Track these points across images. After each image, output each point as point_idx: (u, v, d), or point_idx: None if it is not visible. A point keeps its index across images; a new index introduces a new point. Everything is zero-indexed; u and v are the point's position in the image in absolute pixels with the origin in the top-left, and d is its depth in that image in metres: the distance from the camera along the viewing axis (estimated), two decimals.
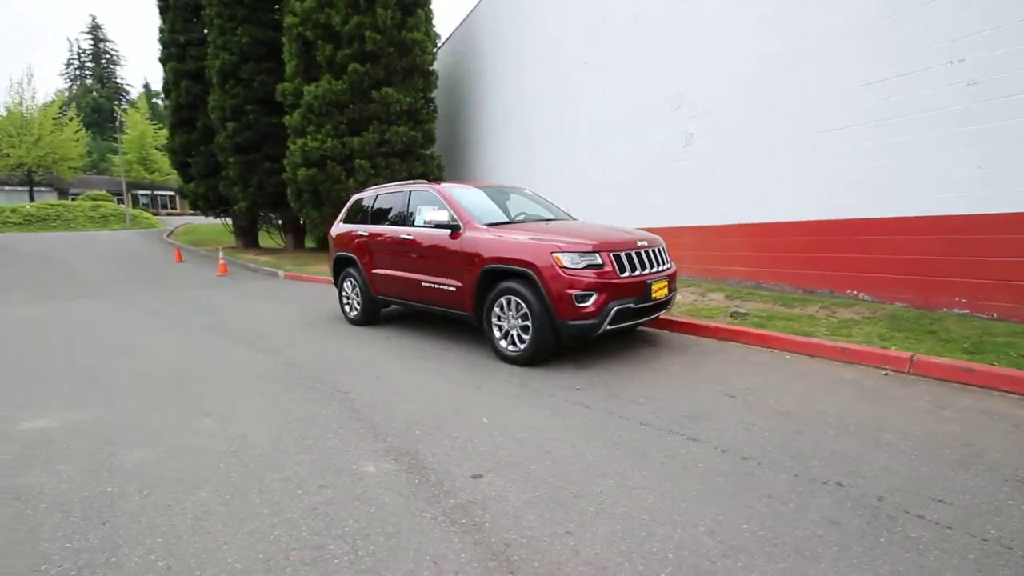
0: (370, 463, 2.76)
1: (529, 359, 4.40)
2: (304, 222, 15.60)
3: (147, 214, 35.27)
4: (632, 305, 4.32)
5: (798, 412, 3.30)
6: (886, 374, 3.98)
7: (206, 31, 16.22)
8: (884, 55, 5.47)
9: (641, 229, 5.31)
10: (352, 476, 2.62)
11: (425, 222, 5.14)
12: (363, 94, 12.04)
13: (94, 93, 63.50)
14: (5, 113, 34.28)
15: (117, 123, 38.51)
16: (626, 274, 4.32)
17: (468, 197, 5.41)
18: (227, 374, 4.50)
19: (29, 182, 36.52)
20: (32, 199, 35.30)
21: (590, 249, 4.24)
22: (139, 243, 21.08)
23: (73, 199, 36.21)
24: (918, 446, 2.80)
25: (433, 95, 13.36)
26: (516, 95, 11.82)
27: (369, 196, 6.49)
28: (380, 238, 5.95)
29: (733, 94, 7.06)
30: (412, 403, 3.66)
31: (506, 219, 5.33)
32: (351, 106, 12.08)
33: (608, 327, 4.24)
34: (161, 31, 17.10)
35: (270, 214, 16.96)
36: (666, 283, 4.68)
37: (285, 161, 13.01)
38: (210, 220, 22.37)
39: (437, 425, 3.24)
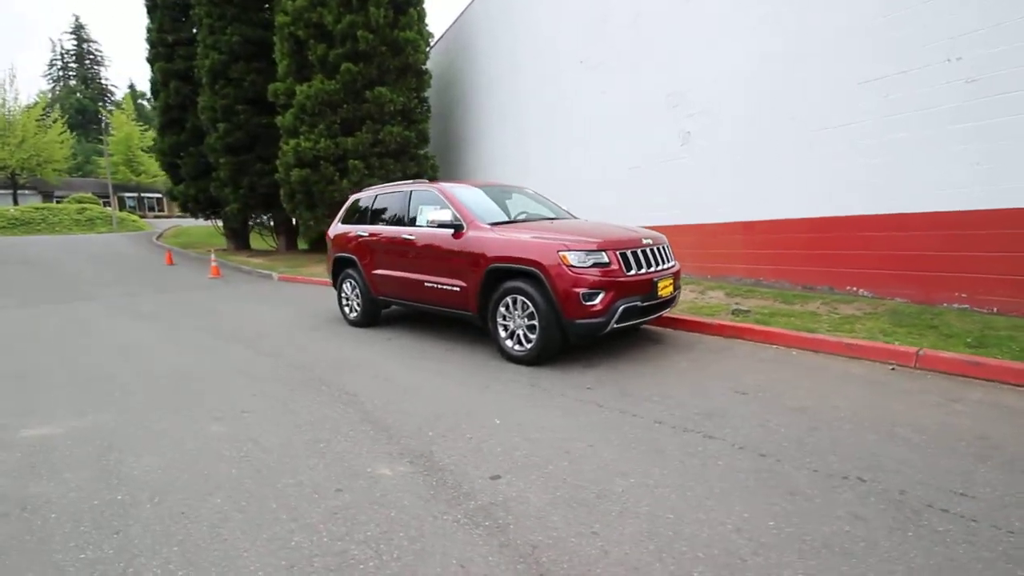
0: (385, 466, 2.71)
1: (536, 359, 4.37)
2: (297, 223, 15.48)
3: (134, 217, 34.79)
4: (639, 303, 4.30)
5: (811, 408, 3.30)
6: (893, 369, 4.00)
7: (195, 30, 16.04)
8: (884, 54, 5.50)
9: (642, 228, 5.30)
10: (368, 479, 2.57)
11: (428, 222, 5.09)
12: (356, 94, 11.96)
13: (78, 94, 62.59)
14: None
15: (103, 124, 37.95)
16: (632, 272, 4.31)
17: (470, 196, 5.37)
18: (230, 377, 4.42)
19: (13, 185, 35.89)
20: (16, 202, 34.69)
21: (596, 247, 4.22)
22: (128, 246, 20.78)
23: (58, 202, 35.63)
24: (933, 440, 2.81)
25: (426, 94, 13.30)
26: (510, 94, 11.79)
27: (368, 196, 6.43)
28: (380, 238, 5.89)
29: (734, 93, 7.07)
30: (422, 404, 3.62)
31: (508, 218, 5.30)
32: (344, 106, 11.99)
33: (615, 325, 4.22)
34: (149, 31, 16.86)
35: (262, 215, 16.79)
36: (671, 281, 4.67)
37: (277, 162, 12.89)
38: (199, 222, 22.11)
39: (449, 426, 3.21)
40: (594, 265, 4.16)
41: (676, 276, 4.81)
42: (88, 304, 8.87)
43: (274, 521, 2.23)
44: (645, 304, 4.36)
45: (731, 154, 7.20)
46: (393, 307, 6.22)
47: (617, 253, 4.27)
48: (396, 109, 12.27)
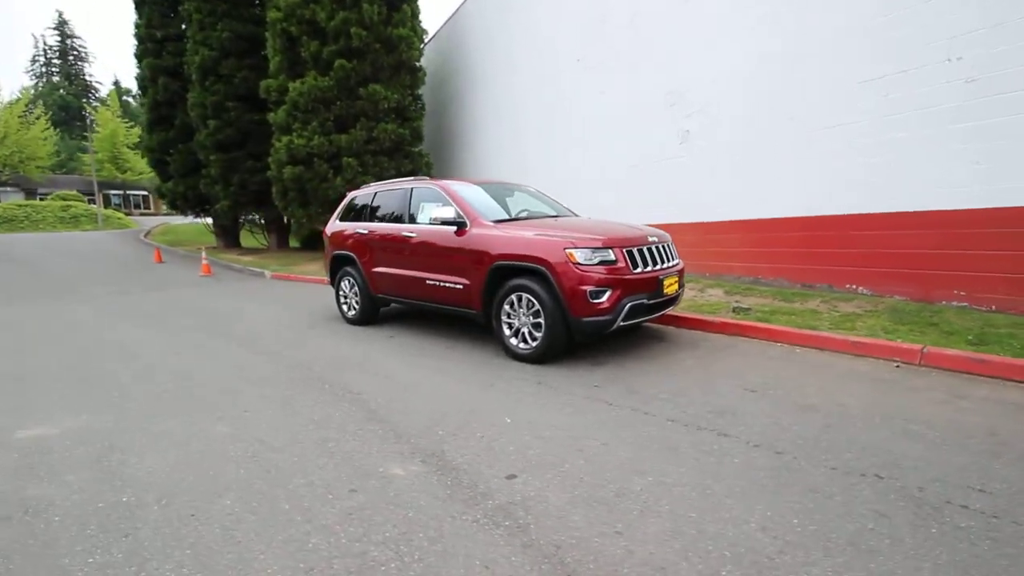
0: (397, 465, 2.66)
1: (541, 357, 4.34)
2: (288, 221, 15.31)
3: (120, 214, 34.28)
4: (645, 301, 4.29)
5: (821, 405, 3.30)
6: (898, 366, 4.02)
7: (184, 26, 15.80)
8: (883, 54, 5.53)
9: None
10: (381, 479, 2.52)
11: (431, 219, 5.03)
12: (350, 91, 11.84)
13: (61, 91, 61.45)
14: None
15: (87, 121, 37.34)
16: (639, 270, 4.29)
17: (472, 194, 5.33)
18: (229, 376, 4.34)
19: None
20: None
21: (603, 245, 4.19)
22: (115, 244, 20.45)
23: (42, 199, 34.96)
24: (945, 436, 2.82)
25: (420, 92, 13.21)
26: (506, 92, 11.74)
27: (367, 193, 6.36)
28: (380, 236, 5.82)
29: (733, 92, 7.09)
30: (428, 402, 3.57)
31: (510, 216, 5.26)
32: (338, 103, 11.87)
33: (621, 323, 4.20)
34: (137, 26, 16.58)
35: (253, 213, 16.58)
36: (676, 279, 4.67)
37: (270, 159, 12.71)
38: (187, 220, 21.78)
39: (459, 425, 3.16)
40: (601, 263, 4.14)
41: (681, 274, 4.81)
42: (78, 303, 8.69)
43: (288, 522, 2.17)
44: (651, 302, 4.35)
45: (730, 153, 7.21)
46: (392, 305, 6.15)
47: (623, 251, 4.24)
48: (390, 106, 12.17)
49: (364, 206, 6.27)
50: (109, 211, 34.01)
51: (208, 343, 5.58)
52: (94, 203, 32.91)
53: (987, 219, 4.95)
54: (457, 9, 13.44)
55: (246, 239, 18.77)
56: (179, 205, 17.48)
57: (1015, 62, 4.65)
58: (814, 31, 6.15)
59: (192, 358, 4.97)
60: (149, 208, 46.84)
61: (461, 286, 4.88)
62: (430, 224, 5.19)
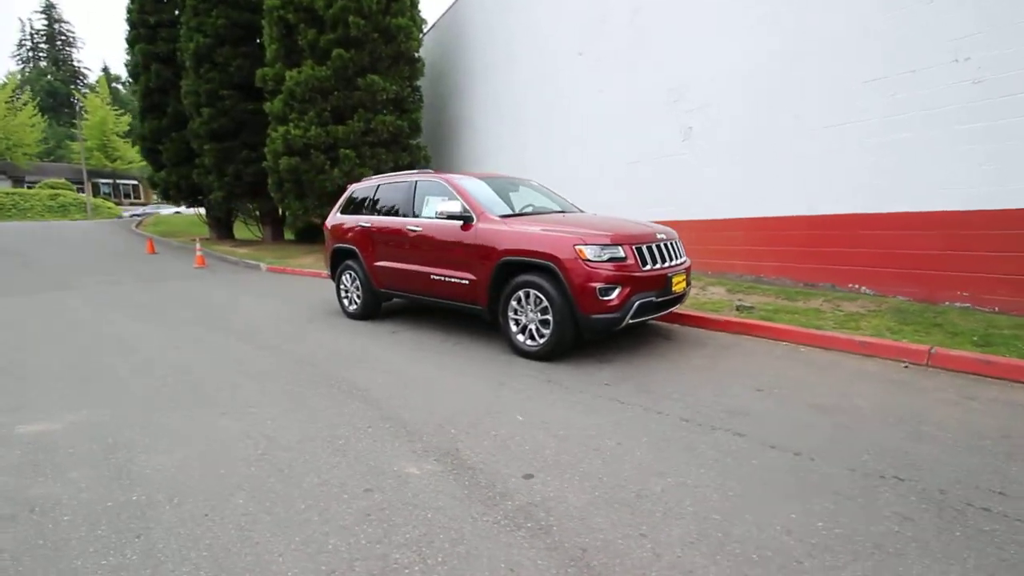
0: (412, 464, 2.62)
1: (548, 354, 4.31)
2: (283, 213, 15.15)
3: (110, 204, 33.84)
4: (654, 299, 4.26)
5: (833, 406, 3.30)
6: (906, 367, 4.03)
7: (178, 12, 15.54)
8: (889, 53, 5.52)
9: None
10: (396, 478, 2.48)
11: (437, 213, 4.97)
12: (348, 81, 11.70)
13: (49, 76, 60.37)
14: None
15: (76, 108, 36.70)
16: (648, 267, 4.26)
17: (478, 188, 5.26)
18: (232, 371, 4.27)
19: None
20: None
21: (613, 242, 4.16)
22: (106, 233, 20.17)
23: (29, 187, 34.40)
24: (960, 438, 2.82)
25: (419, 84, 13.08)
26: (506, 86, 11.64)
27: (369, 186, 6.28)
28: (383, 229, 5.75)
29: (733, 90, 7.07)
30: (437, 399, 3.53)
31: (515, 211, 5.21)
32: (335, 93, 11.73)
33: (630, 321, 4.18)
34: (129, 11, 16.28)
35: (247, 204, 16.39)
36: (684, 276, 4.65)
37: (266, 149, 12.56)
38: (179, 210, 21.52)
39: (471, 423, 3.12)
40: (610, 259, 4.10)
41: (688, 272, 4.79)
42: (71, 294, 8.55)
43: (305, 523, 2.13)
44: (660, 300, 4.32)
45: (730, 152, 7.20)
46: (394, 300, 6.09)
47: (633, 248, 4.21)
48: (388, 98, 12.05)
49: (366, 199, 6.19)
50: (98, 200, 33.55)
51: (206, 336, 5.50)
52: (83, 192, 32.43)
53: (992, 220, 4.96)
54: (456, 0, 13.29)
55: (240, 230, 18.59)
56: (172, 195, 17.26)
57: (1022, 64, 4.65)
58: (815, 30, 6.14)
59: (191, 352, 4.89)
60: (139, 197, 46.24)
61: (467, 281, 4.83)
62: (435, 218, 5.13)
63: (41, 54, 65.39)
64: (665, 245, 4.54)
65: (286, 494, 2.35)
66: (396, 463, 2.64)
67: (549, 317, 4.24)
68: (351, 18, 11.21)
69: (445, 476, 2.50)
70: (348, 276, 6.27)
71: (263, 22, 12.42)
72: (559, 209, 5.59)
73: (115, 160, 40.56)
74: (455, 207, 4.85)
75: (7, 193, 29.02)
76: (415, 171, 5.93)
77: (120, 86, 56.76)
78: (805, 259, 6.53)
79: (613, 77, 8.85)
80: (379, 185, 6.11)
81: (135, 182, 44.82)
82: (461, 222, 4.86)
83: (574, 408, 3.35)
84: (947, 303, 5.32)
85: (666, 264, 4.44)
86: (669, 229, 4.88)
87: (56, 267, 12.00)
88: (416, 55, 12.69)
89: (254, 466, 2.62)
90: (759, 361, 4.28)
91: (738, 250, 7.26)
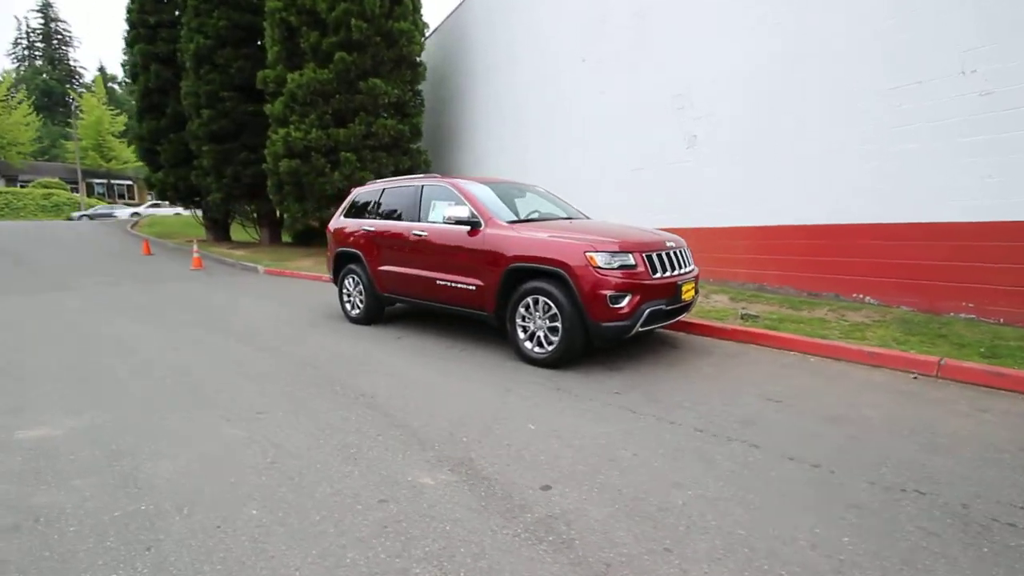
0: (425, 474, 2.58)
1: (556, 361, 4.27)
2: (281, 215, 15.05)
3: (104, 204, 33.52)
4: (664, 307, 4.24)
5: (845, 416, 3.27)
6: (915, 377, 4.02)
7: (178, 13, 15.48)
8: (896, 66, 5.56)
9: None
10: (411, 489, 2.43)
11: (445, 218, 4.93)
12: (349, 84, 11.66)
13: (44, 75, 60.03)
14: None
15: (72, 107, 36.48)
16: (658, 275, 4.24)
17: (485, 193, 5.23)
18: (233, 375, 4.20)
19: None
20: None
21: (624, 249, 4.13)
22: (101, 234, 19.99)
23: (23, 187, 34.10)
24: (976, 451, 2.80)
25: (420, 88, 13.07)
26: (508, 87, 11.63)
27: (374, 190, 6.23)
28: (388, 234, 5.70)
29: (734, 97, 7.09)
30: (446, 407, 3.48)
31: (521, 217, 5.18)
32: (337, 96, 11.68)
33: (640, 329, 4.15)
34: (129, 11, 16.20)
35: (245, 206, 16.28)
36: (693, 284, 4.63)
37: (266, 151, 12.48)
38: (172, 211, 21.37)
39: (482, 431, 3.08)
40: (621, 267, 4.08)
41: (696, 280, 4.77)
42: (67, 295, 8.43)
43: (320, 535, 2.08)
44: (669, 308, 4.30)
45: (732, 159, 7.21)
46: (397, 305, 6.03)
47: (643, 255, 4.19)
48: (390, 102, 12.03)
49: (370, 203, 6.14)
50: (93, 200, 33.30)
51: (206, 339, 5.43)
52: (77, 192, 32.18)
53: (997, 232, 4.98)
54: (459, 4, 13.31)
55: (237, 232, 18.46)
56: (169, 196, 17.15)
57: None
58: (816, 34, 6.16)
59: (191, 355, 4.82)
60: (134, 198, 45.89)
61: (474, 287, 4.79)
62: (442, 223, 5.09)
63: (37, 53, 65.02)
64: (674, 253, 4.52)
65: (299, 504, 2.29)
66: (409, 472, 2.59)
67: (558, 324, 4.21)
68: (354, 21, 11.19)
69: (460, 487, 2.45)
70: (351, 280, 6.21)
71: (265, 24, 12.37)
72: (565, 216, 5.56)
73: (110, 160, 40.30)
74: (463, 212, 4.82)
75: (0, 192, 28.77)
76: (421, 175, 5.90)
77: (116, 86, 56.51)
78: (808, 268, 6.53)
79: (614, 78, 8.86)
80: (384, 189, 6.07)
81: (130, 182, 44.53)
82: (469, 227, 4.83)
83: (584, 416, 3.31)
84: (951, 314, 5.32)
85: (676, 272, 4.42)
86: (678, 237, 4.87)
87: (52, 268, 11.87)
88: (418, 59, 12.68)
89: (264, 475, 2.57)
90: (767, 370, 4.26)
91: (741, 258, 7.26)
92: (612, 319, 4.03)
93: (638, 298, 4.06)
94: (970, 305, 5.22)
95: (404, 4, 12.11)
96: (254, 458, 2.75)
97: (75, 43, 78.10)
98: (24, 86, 42.64)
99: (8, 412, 3.42)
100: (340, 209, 6.61)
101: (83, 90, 47.67)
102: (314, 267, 11.22)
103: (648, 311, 4.11)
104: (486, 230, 4.72)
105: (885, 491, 2.40)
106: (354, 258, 6.12)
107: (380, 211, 5.98)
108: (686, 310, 4.71)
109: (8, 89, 35.38)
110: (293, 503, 2.31)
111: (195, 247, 12.96)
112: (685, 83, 7.67)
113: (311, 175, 11.74)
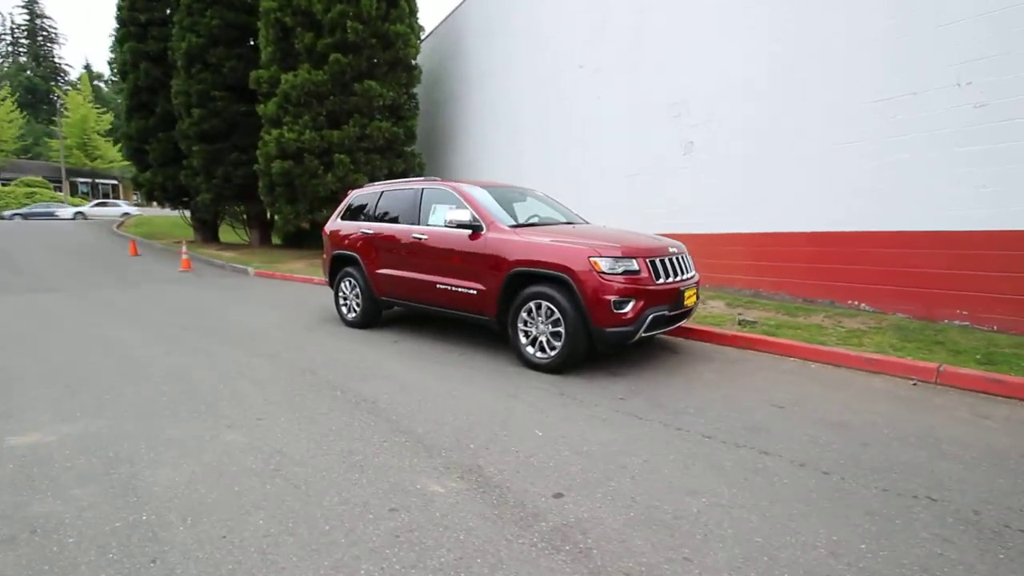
0: (434, 482, 2.53)
1: (559, 367, 4.24)
2: (272, 217, 14.88)
3: (44, 201, 32.90)
4: (666, 312, 4.24)
5: (850, 423, 3.28)
6: (914, 384, 4.05)
7: (169, 11, 15.29)
8: (892, 76, 5.63)
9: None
10: (421, 497, 2.38)
11: (447, 222, 4.89)
12: (344, 86, 11.60)
13: (28, 72, 58.99)
14: None
15: (56, 105, 35.88)
16: (661, 281, 4.24)
17: (486, 197, 5.20)
18: (231, 380, 4.12)
19: None
20: None
21: (627, 254, 4.13)
22: (86, 234, 19.63)
23: (4, 185, 33.41)
24: (982, 457, 2.82)
25: (415, 91, 13.03)
26: (503, 93, 11.63)
27: (372, 192, 6.17)
28: (387, 237, 5.65)
29: (734, 105, 7.15)
30: (450, 412, 3.44)
31: (524, 221, 5.16)
32: (331, 98, 11.61)
33: (643, 334, 4.14)
34: (119, 8, 15.97)
35: (235, 207, 16.08)
36: (694, 290, 4.63)
37: (258, 152, 12.34)
38: (162, 212, 21.05)
39: (489, 438, 3.04)
40: (624, 272, 4.07)
41: (697, 285, 4.78)
42: (53, 296, 8.25)
43: (332, 545, 2.02)
44: (671, 313, 4.30)
45: (730, 167, 7.26)
46: (394, 308, 5.97)
47: (647, 261, 4.19)
48: (385, 104, 11.98)
49: (369, 205, 6.08)
50: (77, 199, 32.72)
51: (200, 343, 5.32)
52: (61, 191, 31.61)
53: (992, 241, 5.05)
54: (456, 8, 13.30)
55: (226, 234, 18.22)
56: (157, 196, 16.88)
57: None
58: (815, 41, 6.24)
59: (186, 359, 4.72)
60: (118, 197, 45.20)
61: (475, 291, 4.76)
62: (443, 226, 5.05)
63: (21, 49, 63.87)
64: (677, 259, 4.52)
65: (307, 514, 2.24)
66: (418, 480, 2.55)
67: (561, 329, 4.18)
68: (349, 23, 11.14)
69: (471, 494, 2.41)
70: (348, 283, 6.14)
71: (259, 24, 12.25)
72: (565, 220, 5.55)
73: (95, 159, 39.68)
74: (464, 216, 4.79)
75: None
76: (421, 178, 5.86)
77: (102, 84, 55.75)
78: (805, 275, 6.58)
79: (613, 82, 8.89)
80: (383, 192, 6.02)
81: (115, 182, 43.86)
82: (470, 231, 4.79)
83: (591, 423, 3.29)
84: (946, 321, 5.39)
85: (678, 278, 4.42)
86: (679, 243, 4.88)
87: (36, 269, 11.61)
88: (413, 62, 12.65)
89: (268, 483, 2.50)
90: (768, 376, 4.27)
91: (738, 265, 7.30)
92: (616, 324, 4.02)
93: (642, 303, 4.05)
94: (965, 312, 5.29)
95: (400, 7, 12.08)
96: (257, 465, 2.68)
97: (61, 40, 76.98)
98: (8, 83, 41.88)
99: None
100: (337, 211, 6.54)
101: (68, 88, 46.91)
102: (306, 269, 11.11)
103: (651, 316, 4.11)
104: (488, 234, 4.69)
105: (897, 497, 2.41)
106: (351, 261, 6.06)
107: (378, 214, 5.92)
108: (687, 316, 4.72)
109: None
110: (301, 512, 2.25)
111: (184, 248, 12.76)
112: (686, 90, 7.70)
113: (304, 177, 11.63)
